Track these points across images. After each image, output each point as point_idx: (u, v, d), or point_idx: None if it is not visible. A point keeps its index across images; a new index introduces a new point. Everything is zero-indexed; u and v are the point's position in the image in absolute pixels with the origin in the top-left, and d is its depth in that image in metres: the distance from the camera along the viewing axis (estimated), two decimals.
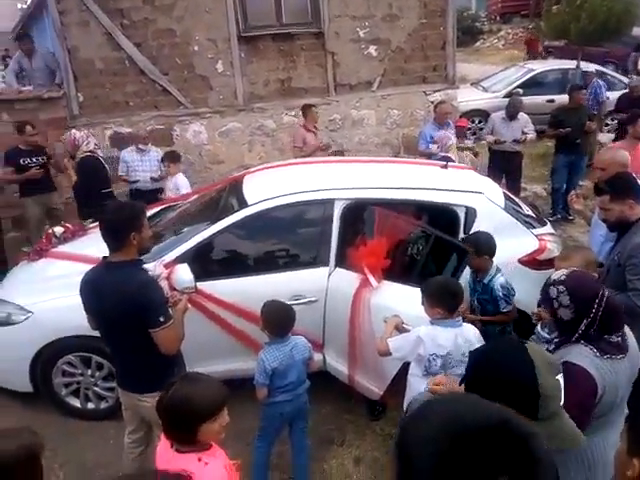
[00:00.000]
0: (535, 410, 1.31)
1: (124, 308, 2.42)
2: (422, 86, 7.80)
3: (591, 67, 10.34)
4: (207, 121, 7.28)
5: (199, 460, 1.71)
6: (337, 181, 3.91)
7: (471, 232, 3.62)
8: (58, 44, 6.68)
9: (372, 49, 7.48)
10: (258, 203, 3.68)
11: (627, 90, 7.24)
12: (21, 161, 5.68)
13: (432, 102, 7.46)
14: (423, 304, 2.74)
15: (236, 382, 3.21)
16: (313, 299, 3.56)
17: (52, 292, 3.53)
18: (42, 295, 3.56)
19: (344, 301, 3.43)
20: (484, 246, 3.28)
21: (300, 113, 6.81)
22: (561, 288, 1.96)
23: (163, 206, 4.86)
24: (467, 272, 3.44)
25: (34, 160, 5.73)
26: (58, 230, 4.52)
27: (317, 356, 3.53)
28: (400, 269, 3.43)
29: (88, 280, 2.58)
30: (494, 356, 1.47)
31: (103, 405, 3.76)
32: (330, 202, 3.68)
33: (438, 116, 6.53)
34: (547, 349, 2.03)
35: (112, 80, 6.90)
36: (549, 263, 3.66)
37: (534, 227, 3.99)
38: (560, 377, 1.38)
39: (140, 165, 5.95)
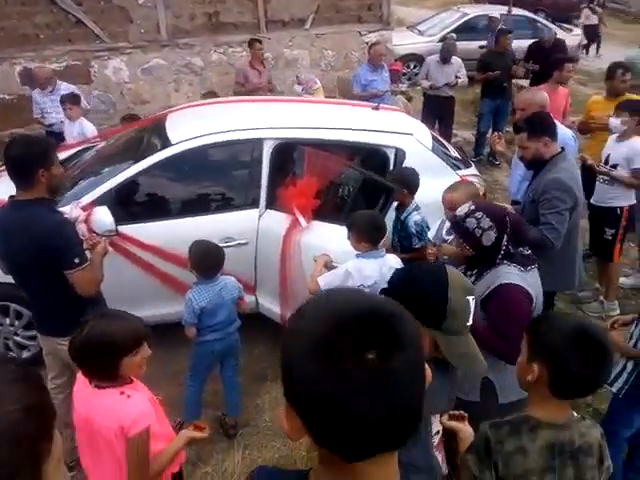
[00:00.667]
0: (440, 321, 1.40)
1: (35, 249, 2.30)
2: (357, 26, 7.64)
3: (521, 13, 10.49)
4: (128, 57, 6.81)
5: (121, 394, 1.69)
6: (266, 120, 3.79)
7: None
8: None
9: None
10: (182, 142, 3.52)
11: (537, 40, 7.42)
12: None
13: (367, 43, 7.33)
14: (349, 239, 2.80)
15: (166, 326, 3.19)
16: (243, 241, 3.51)
17: None
18: None
19: (275, 243, 3.41)
20: (406, 180, 3.33)
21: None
22: (478, 214, 2.10)
23: (81, 147, 4.55)
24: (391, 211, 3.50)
25: None
26: None
27: (250, 298, 3.53)
28: (330, 209, 3.44)
29: None
30: (414, 271, 1.58)
31: (25, 354, 3.60)
32: (259, 142, 3.58)
33: (372, 58, 6.42)
34: None
35: (19, 10, 6.25)
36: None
37: (459, 169, 4.08)
38: (471, 299, 1.44)
39: (51, 106, 5.48)
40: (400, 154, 3.75)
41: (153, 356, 1.79)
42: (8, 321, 3.46)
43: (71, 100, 5.08)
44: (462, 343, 1.47)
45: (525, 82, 7.59)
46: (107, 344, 1.62)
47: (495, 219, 2.10)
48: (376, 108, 4.28)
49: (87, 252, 2.64)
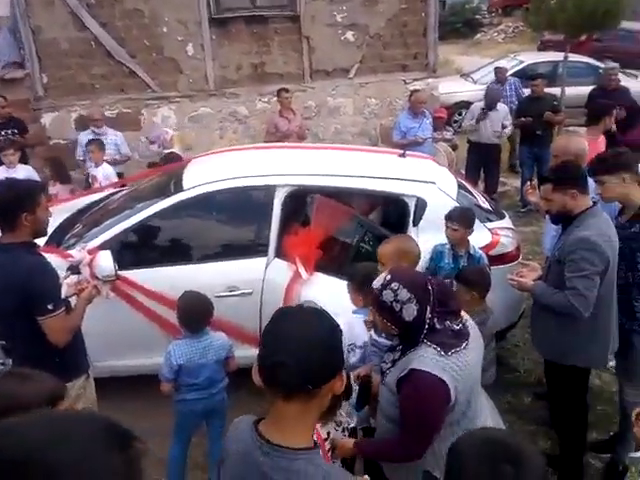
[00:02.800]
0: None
1: (11, 292, 2.26)
2: (401, 74, 7.56)
3: (581, 59, 10.08)
4: (176, 105, 7.06)
5: None
6: (280, 167, 3.69)
7: (420, 224, 3.43)
8: (21, 23, 6.45)
9: (349, 34, 7.24)
10: (194, 188, 3.48)
11: (597, 85, 6.98)
12: None
13: (411, 91, 7.22)
14: (348, 289, 2.60)
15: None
16: (248, 291, 3.36)
17: None
18: None
19: (280, 294, 3.24)
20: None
21: (273, 100, 6.60)
22: (394, 285, 1.78)
23: (112, 190, 4.66)
24: None
25: (4, 133, 5.62)
26: None
27: (253, 351, 3.34)
28: (333, 261, 3.23)
29: None
30: None
31: None
32: (271, 188, 3.47)
33: (412, 105, 6.32)
34: (393, 359, 1.88)
35: (78, 61, 6.68)
36: (500, 259, 3.47)
37: (490, 220, 3.77)
38: None
39: None
40: (421, 204, 3.51)
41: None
42: None
43: (97, 145, 5.26)
44: None
45: (582, 129, 7.14)
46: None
47: (414, 289, 1.77)
48: (402, 155, 4.09)
49: (74, 297, 2.60)
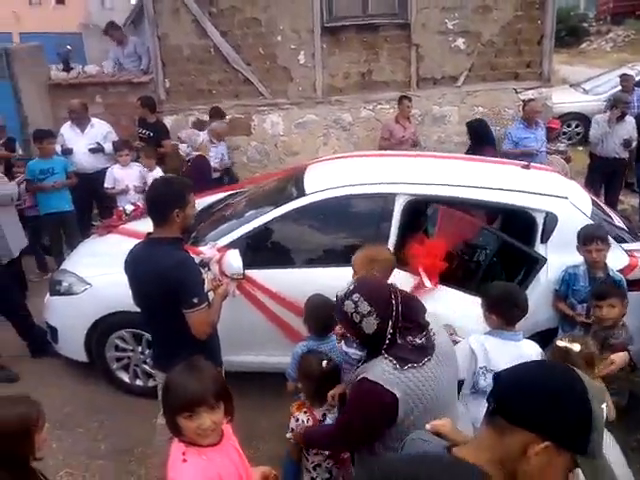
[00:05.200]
0: (585, 441, 1.06)
1: (159, 285, 2.39)
2: (513, 83, 7.29)
3: None
4: (285, 112, 7.27)
5: (182, 454, 1.57)
6: (401, 175, 3.67)
7: (550, 240, 3.26)
8: (149, 31, 6.95)
9: (460, 42, 7.09)
10: (316, 193, 3.55)
11: None
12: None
13: (522, 100, 6.95)
14: (482, 308, 2.51)
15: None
16: None
17: (111, 266, 3.59)
18: (101, 269, 3.66)
19: None
20: None
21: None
22: (355, 297, 1.74)
23: (232, 191, 4.88)
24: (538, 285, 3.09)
25: (142, 132, 6.24)
26: (129, 208, 4.68)
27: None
28: (460, 274, 3.15)
29: (130, 255, 2.58)
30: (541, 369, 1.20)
31: (151, 383, 3.79)
32: (391, 196, 3.46)
33: (526, 115, 6.09)
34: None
35: (198, 68, 7.08)
36: (637, 284, 3.23)
37: (625, 241, 3.52)
38: (604, 406, 1.11)
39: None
40: (550, 219, 3.34)
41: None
42: (140, 349, 3.71)
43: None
44: (607, 470, 1.12)
45: None
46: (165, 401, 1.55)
47: (376, 302, 1.72)
48: (526, 167, 3.93)
49: (210, 293, 2.72)
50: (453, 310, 2.90)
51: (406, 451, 1.39)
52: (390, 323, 1.71)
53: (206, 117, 6.76)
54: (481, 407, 2.27)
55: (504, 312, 2.37)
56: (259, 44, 6.99)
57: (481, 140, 5.85)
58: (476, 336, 2.39)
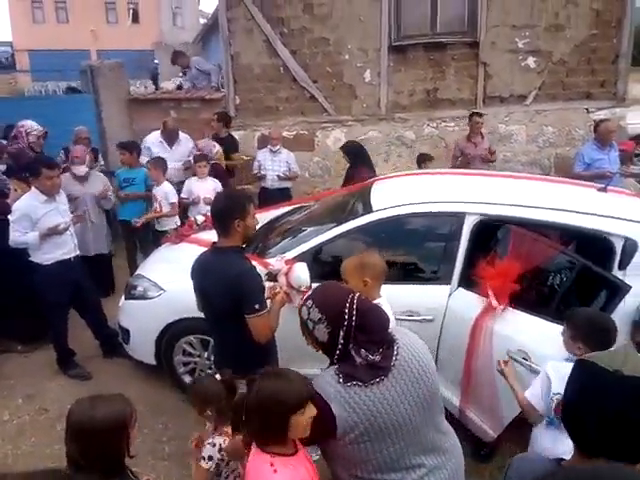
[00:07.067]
0: None
1: (224, 291, 2.51)
2: (584, 102, 7.08)
3: None
4: (348, 129, 7.38)
5: (271, 465, 1.59)
6: (471, 194, 3.64)
7: (628, 267, 3.13)
8: (223, 50, 7.27)
9: (530, 60, 6.98)
10: (383, 210, 3.57)
11: None
12: None
13: (594, 120, 6.71)
14: (563, 335, 2.43)
15: None
16: (429, 317, 3.35)
17: (183, 273, 3.76)
18: (174, 275, 3.81)
19: (463, 325, 3.17)
20: None
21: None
22: (309, 303, 1.74)
23: (297, 205, 4.99)
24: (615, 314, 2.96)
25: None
26: (199, 218, 4.89)
27: None
28: (533, 298, 3.07)
29: (197, 263, 2.73)
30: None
31: None
32: (460, 216, 3.43)
33: (600, 135, 5.86)
34: None
35: (267, 86, 7.32)
36: None
37: None
38: None
39: (270, 165, 6.28)
40: (630, 245, 3.21)
41: None
42: (206, 355, 3.83)
43: (154, 163, 5.39)
44: None
45: None
46: (278, 403, 1.59)
47: (327, 311, 1.67)
48: (603, 190, 3.80)
49: (268, 301, 2.81)
50: (526, 334, 2.83)
51: (514, 470, 1.38)
52: (341, 333, 1.67)
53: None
54: (552, 440, 2.23)
55: (593, 341, 2.26)
56: (326, 62, 7.16)
57: (356, 159, 5.85)
58: (555, 362, 2.32)
